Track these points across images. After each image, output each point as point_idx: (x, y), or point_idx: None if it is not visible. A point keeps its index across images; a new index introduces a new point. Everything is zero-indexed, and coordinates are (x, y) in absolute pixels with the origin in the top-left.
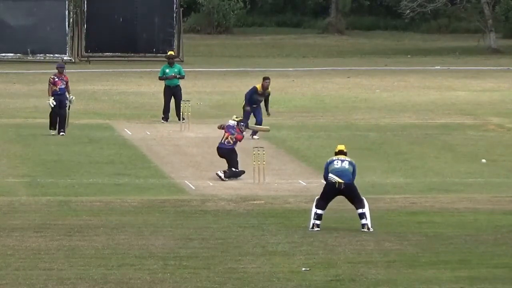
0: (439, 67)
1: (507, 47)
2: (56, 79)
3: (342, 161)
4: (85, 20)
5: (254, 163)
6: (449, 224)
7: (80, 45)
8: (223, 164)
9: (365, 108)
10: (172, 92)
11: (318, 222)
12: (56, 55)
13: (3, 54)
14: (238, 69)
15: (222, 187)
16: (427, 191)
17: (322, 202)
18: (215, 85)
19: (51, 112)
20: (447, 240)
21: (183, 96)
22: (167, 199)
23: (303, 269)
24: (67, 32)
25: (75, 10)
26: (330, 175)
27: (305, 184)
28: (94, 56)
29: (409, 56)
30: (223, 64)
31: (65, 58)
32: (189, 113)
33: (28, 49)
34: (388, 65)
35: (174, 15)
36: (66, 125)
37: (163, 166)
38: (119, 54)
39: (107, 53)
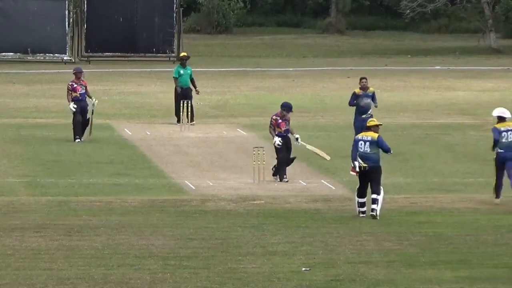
0: (439, 67)
1: (507, 47)
2: (75, 85)
3: (365, 142)
4: (85, 20)
5: (254, 163)
6: (449, 224)
7: (80, 45)
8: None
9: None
10: (184, 93)
11: (362, 209)
12: (56, 55)
13: (3, 54)
14: (238, 69)
15: (222, 187)
16: (427, 191)
17: (360, 189)
18: (215, 85)
19: (73, 120)
20: (447, 240)
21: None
22: (167, 199)
23: (303, 269)
24: (67, 32)
25: (75, 10)
26: (358, 157)
27: (305, 184)
28: (94, 56)
29: (409, 56)
30: (223, 64)
31: (65, 58)
32: (189, 113)
33: (28, 49)
34: (388, 65)
35: (174, 15)
36: (89, 131)
37: (163, 166)
38: (119, 54)
39: (107, 53)
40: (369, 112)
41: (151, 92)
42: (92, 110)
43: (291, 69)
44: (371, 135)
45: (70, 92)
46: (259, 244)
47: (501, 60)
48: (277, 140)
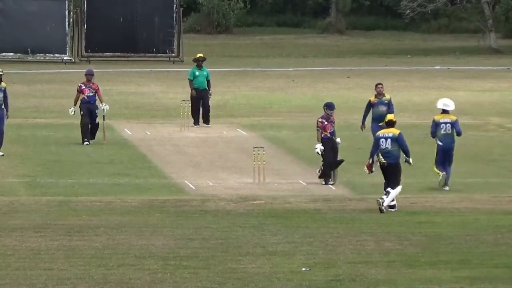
0: (439, 67)
1: (507, 47)
2: (84, 87)
3: (386, 139)
4: (85, 20)
5: (254, 163)
6: (449, 224)
7: (80, 45)
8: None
9: (365, 108)
10: (200, 96)
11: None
12: (56, 55)
13: (3, 54)
14: (238, 69)
15: (222, 187)
16: (427, 191)
17: (386, 183)
18: (215, 85)
19: (81, 122)
20: (447, 240)
21: (184, 96)
22: (167, 199)
23: (303, 269)
24: (67, 32)
25: (75, 10)
26: (380, 154)
27: (305, 184)
28: (94, 56)
29: (409, 56)
30: (223, 64)
31: (65, 58)
32: (189, 113)
33: (28, 49)
34: (388, 65)
35: (174, 15)
36: (103, 136)
37: (163, 166)
38: (119, 54)
39: (107, 53)
40: None
41: (151, 92)
42: (103, 115)
43: (291, 69)
44: (392, 131)
45: (78, 93)
46: (259, 244)
47: (501, 60)
48: (319, 148)
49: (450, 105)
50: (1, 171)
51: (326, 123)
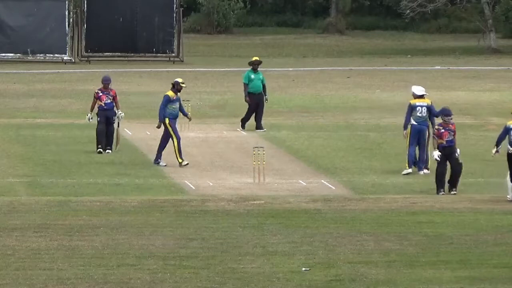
0: (439, 67)
1: (507, 47)
2: (101, 94)
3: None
4: (85, 20)
5: (254, 163)
6: (449, 224)
7: (80, 45)
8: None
9: (365, 108)
10: (257, 99)
11: None
12: (56, 55)
13: (3, 54)
14: (238, 69)
15: (222, 187)
16: (427, 191)
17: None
18: (215, 85)
19: (96, 129)
20: (447, 240)
21: (184, 96)
22: (167, 199)
23: (303, 269)
24: (67, 32)
25: (75, 10)
26: (508, 144)
27: (305, 184)
28: (94, 56)
29: (409, 56)
30: (223, 64)
31: (65, 58)
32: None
33: (28, 49)
34: (388, 65)
35: (174, 15)
36: (117, 142)
37: (163, 166)
38: (119, 54)
39: (107, 53)
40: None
41: (151, 92)
42: (118, 122)
43: (291, 69)
44: None
45: (95, 99)
46: (259, 244)
47: (501, 60)
48: (436, 155)
49: (424, 91)
50: (1, 171)
51: (443, 130)
